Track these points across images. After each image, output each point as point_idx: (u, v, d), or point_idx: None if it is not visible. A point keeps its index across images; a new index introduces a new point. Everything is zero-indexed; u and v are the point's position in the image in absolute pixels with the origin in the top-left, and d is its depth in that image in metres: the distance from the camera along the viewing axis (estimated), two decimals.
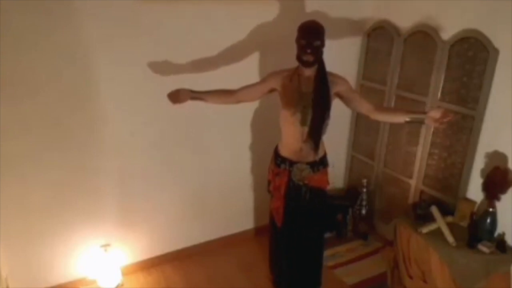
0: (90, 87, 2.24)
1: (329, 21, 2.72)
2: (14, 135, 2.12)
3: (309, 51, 2.01)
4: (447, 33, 2.46)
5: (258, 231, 3.14)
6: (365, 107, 2.20)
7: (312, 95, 2.07)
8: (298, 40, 2.05)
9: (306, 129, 2.12)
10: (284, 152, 2.23)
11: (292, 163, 2.20)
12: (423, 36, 2.62)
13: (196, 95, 2.13)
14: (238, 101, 2.21)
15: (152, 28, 2.30)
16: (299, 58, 2.06)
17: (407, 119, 2.09)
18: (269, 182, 2.38)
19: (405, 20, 2.74)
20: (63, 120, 2.23)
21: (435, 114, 1.96)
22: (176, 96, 2.12)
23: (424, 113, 2.08)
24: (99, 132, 2.35)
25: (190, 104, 2.55)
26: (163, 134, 2.55)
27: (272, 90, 2.19)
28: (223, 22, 2.49)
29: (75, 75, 2.18)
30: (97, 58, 2.20)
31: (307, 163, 2.20)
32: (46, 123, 2.19)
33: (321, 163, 2.26)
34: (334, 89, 2.13)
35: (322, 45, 2.06)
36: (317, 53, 2.04)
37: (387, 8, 2.86)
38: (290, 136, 2.18)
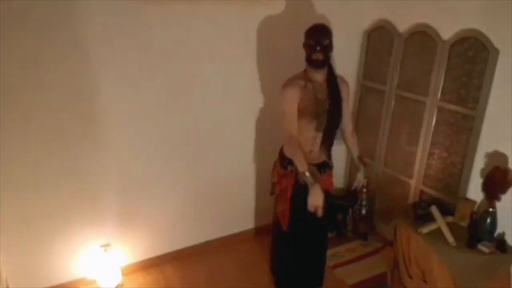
0: (91, 91, 2.24)
1: (329, 21, 2.72)
2: (15, 136, 2.12)
3: (318, 48, 2.00)
4: (447, 33, 2.46)
5: (258, 231, 3.14)
6: (347, 125, 2.30)
7: (326, 102, 2.09)
8: (306, 42, 2.06)
9: (320, 134, 2.15)
10: None
11: None
12: (423, 36, 2.61)
13: (312, 178, 2.09)
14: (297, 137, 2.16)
15: (154, 32, 2.30)
16: (308, 58, 2.06)
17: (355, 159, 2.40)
18: (273, 185, 2.37)
19: (405, 20, 2.74)
20: (64, 121, 2.23)
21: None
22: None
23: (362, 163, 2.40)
24: (99, 133, 2.34)
25: (190, 105, 2.57)
26: (163, 135, 2.55)
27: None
28: (224, 23, 2.48)
29: (76, 81, 2.18)
30: (97, 63, 2.20)
31: (314, 165, 2.20)
32: (47, 123, 2.19)
33: (327, 165, 2.27)
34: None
35: (331, 46, 2.06)
36: (327, 52, 2.03)
37: (387, 8, 2.85)
38: (302, 140, 2.17)
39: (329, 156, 2.26)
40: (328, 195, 2.34)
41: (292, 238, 2.33)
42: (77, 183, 2.37)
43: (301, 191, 2.21)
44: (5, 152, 2.12)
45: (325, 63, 2.06)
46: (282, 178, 2.26)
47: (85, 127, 2.30)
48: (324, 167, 2.24)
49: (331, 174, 2.31)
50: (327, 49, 2.04)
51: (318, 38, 2.01)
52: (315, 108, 2.09)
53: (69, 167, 2.32)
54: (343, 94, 2.18)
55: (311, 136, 2.15)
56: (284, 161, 2.24)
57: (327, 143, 2.19)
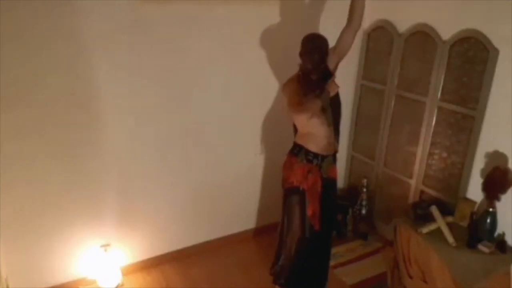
0: (90, 90, 2.24)
1: (329, 21, 2.73)
2: (15, 137, 2.12)
3: (314, 75, 2.10)
4: (447, 33, 2.46)
5: (257, 231, 3.14)
6: (349, 35, 2.17)
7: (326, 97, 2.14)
8: (303, 59, 2.11)
9: (331, 128, 2.22)
10: (314, 148, 2.24)
11: (323, 157, 2.25)
12: (423, 36, 2.61)
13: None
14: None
15: (155, 32, 2.30)
16: (305, 75, 2.12)
17: None
18: (291, 183, 2.28)
19: (405, 20, 2.74)
20: (64, 122, 2.23)
21: None
22: None
23: None
24: (100, 133, 2.35)
25: (190, 105, 2.57)
26: (163, 135, 2.55)
27: None
28: (225, 22, 2.48)
29: (76, 81, 2.19)
30: (98, 62, 2.20)
31: (332, 155, 2.31)
32: (47, 125, 2.19)
33: (335, 154, 2.36)
34: (332, 66, 2.19)
35: (327, 56, 2.12)
36: (322, 71, 2.11)
37: (387, 8, 2.86)
38: (321, 136, 2.21)
39: (337, 141, 2.35)
40: (332, 196, 2.37)
41: (321, 239, 2.34)
42: (77, 183, 2.37)
43: (326, 185, 2.27)
44: (5, 153, 2.11)
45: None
46: (308, 173, 2.24)
47: (85, 127, 2.30)
48: (335, 157, 2.35)
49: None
50: (323, 68, 2.11)
51: (317, 63, 2.07)
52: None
53: (69, 167, 2.32)
54: (333, 62, 2.18)
55: (327, 131, 2.21)
56: (309, 155, 2.24)
57: (338, 133, 2.32)
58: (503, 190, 2.14)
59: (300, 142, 2.27)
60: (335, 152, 2.35)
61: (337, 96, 2.24)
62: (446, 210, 2.45)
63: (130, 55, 2.28)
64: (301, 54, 2.13)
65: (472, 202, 2.38)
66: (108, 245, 2.56)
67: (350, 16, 2.18)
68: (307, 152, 2.24)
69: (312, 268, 2.43)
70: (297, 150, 2.27)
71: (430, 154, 2.69)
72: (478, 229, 2.21)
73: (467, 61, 2.38)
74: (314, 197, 2.26)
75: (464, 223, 2.35)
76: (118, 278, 2.57)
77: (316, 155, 2.24)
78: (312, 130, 2.22)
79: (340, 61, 2.24)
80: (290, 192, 2.30)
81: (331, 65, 2.18)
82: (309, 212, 2.26)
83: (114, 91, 2.31)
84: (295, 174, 2.26)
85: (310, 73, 2.11)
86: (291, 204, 2.31)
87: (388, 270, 2.63)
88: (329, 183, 2.33)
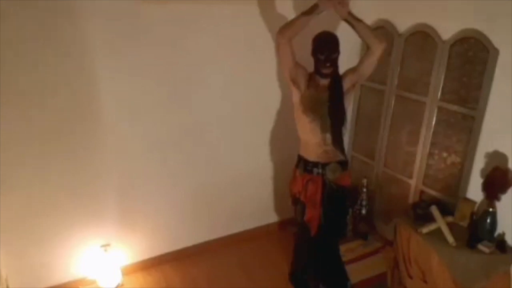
0: (91, 92, 2.25)
1: (329, 21, 2.72)
2: (16, 137, 2.12)
3: (328, 64, 2.08)
4: (447, 33, 2.46)
5: (258, 231, 3.14)
6: (371, 58, 2.13)
7: (327, 103, 2.12)
8: (315, 54, 2.10)
9: (327, 135, 2.16)
10: (312, 157, 2.23)
11: (324, 165, 2.21)
12: (423, 36, 2.61)
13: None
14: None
15: (154, 32, 2.30)
16: (318, 71, 2.12)
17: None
18: (293, 196, 2.36)
19: (405, 20, 2.74)
20: (64, 123, 2.23)
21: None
22: None
23: None
24: (100, 133, 2.35)
25: (190, 104, 2.58)
26: (163, 135, 2.55)
27: (295, 79, 2.14)
28: (224, 21, 2.49)
29: (76, 81, 2.19)
30: (98, 61, 2.20)
31: (338, 162, 2.23)
32: (47, 126, 2.19)
33: (347, 161, 2.31)
34: (348, 84, 2.17)
35: (339, 54, 2.11)
36: (335, 64, 2.10)
37: (387, 8, 2.85)
38: (312, 143, 2.20)
39: (343, 152, 2.25)
40: (341, 204, 2.36)
41: (320, 243, 2.34)
42: (77, 183, 2.37)
43: (329, 193, 2.23)
44: (5, 152, 2.11)
45: (333, 73, 2.12)
46: (308, 183, 2.24)
47: (86, 127, 2.30)
48: (345, 164, 2.28)
49: (348, 170, 2.34)
50: (336, 61, 2.10)
51: (328, 53, 2.06)
52: (317, 107, 2.12)
53: (69, 167, 2.32)
54: (350, 81, 2.17)
55: (319, 138, 2.18)
56: (308, 165, 2.24)
57: (338, 142, 2.20)
58: (503, 190, 2.14)
59: (300, 152, 2.30)
60: (341, 159, 2.26)
61: (336, 100, 2.16)
62: (446, 210, 2.45)
63: (130, 55, 2.28)
64: (314, 50, 2.11)
65: (472, 202, 2.38)
66: (108, 245, 2.56)
67: (365, 42, 2.16)
68: (306, 162, 2.25)
69: (310, 270, 2.44)
70: (297, 161, 2.31)
71: (430, 154, 2.69)
72: (478, 229, 2.21)
73: (467, 61, 2.38)
74: (313, 206, 2.25)
75: (464, 223, 2.35)
76: (118, 278, 2.57)
77: (315, 164, 2.22)
78: (307, 136, 2.22)
79: (359, 82, 2.23)
80: (295, 201, 2.36)
81: (347, 84, 2.16)
82: (306, 216, 2.27)
83: (114, 91, 2.31)
84: (296, 185, 2.31)
85: (323, 66, 2.09)
86: (297, 211, 2.36)
87: (388, 270, 2.63)
88: (339, 190, 2.25)
